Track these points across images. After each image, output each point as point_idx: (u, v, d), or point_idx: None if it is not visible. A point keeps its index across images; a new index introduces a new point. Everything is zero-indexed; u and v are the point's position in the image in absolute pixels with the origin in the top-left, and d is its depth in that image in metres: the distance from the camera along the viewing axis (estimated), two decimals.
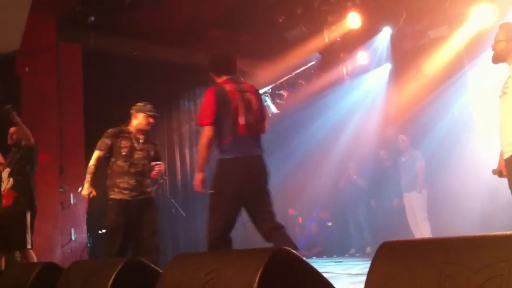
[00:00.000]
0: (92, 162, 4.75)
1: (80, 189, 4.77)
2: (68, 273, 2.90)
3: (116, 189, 4.72)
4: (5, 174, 5.40)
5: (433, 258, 1.48)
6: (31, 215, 5.31)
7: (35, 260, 5.26)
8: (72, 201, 7.37)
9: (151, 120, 4.89)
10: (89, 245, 7.45)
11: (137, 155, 4.80)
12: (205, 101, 3.87)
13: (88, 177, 4.68)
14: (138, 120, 4.87)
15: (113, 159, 4.77)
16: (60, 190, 7.30)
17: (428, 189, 7.40)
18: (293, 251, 1.99)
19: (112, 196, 4.73)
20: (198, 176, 3.85)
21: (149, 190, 4.89)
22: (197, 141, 9.69)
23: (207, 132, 3.80)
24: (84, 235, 7.42)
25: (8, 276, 3.45)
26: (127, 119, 4.95)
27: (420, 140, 7.78)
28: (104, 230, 7.50)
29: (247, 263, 1.90)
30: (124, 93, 8.43)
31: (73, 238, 7.27)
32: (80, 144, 7.77)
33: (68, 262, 3.27)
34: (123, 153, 4.75)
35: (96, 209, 7.35)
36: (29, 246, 5.24)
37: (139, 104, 4.92)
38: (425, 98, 7.84)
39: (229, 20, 8.16)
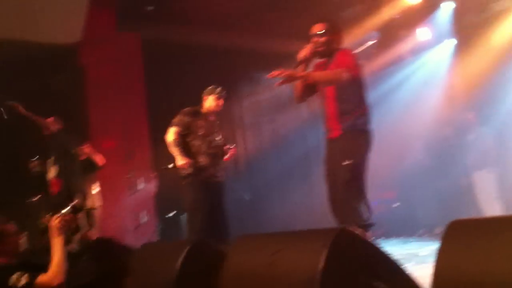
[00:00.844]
0: (173, 136, 4.81)
1: (171, 165, 4.82)
2: (139, 254, 3.02)
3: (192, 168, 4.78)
4: (49, 164, 5.46)
5: (505, 236, 1.43)
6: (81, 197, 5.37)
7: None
8: (140, 186, 7.61)
9: (220, 102, 5.04)
10: (158, 227, 7.69)
11: (214, 136, 4.93)
12: (352, 57, 3.80)
13: (177, 150, 4.74)
14: (208, 103, 5.04)
15: (189, 138, 4.87)
16: (128, 176, 7.54)
17: (499, 167, 7.12)
18: (356, 232, 1.98)
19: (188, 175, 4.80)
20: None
21: (220, 174, 4.97)
22: (257, 122, 9.76)
23: (345, 78, 3.60)
24: (153, 218, 7.66)
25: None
26: (197, 103, 5.08)
27: (488, 117, 7.47)
28: (172, 214, 7.75)
29: (312, 243, 1.91)
30: (184, 79, 8.53)
31: (142, 221, 7.52)
32: (144, 131, 7.96)
33: (139, 244, 3.39)
34: (200, 133, 4.86)
35: (164, 192, 7.61)
36: (86, 228, 5.30)
37: (209, 87, 5.07)
38: (492, 73, 7.50)
39: (284, 3, 8.06)
